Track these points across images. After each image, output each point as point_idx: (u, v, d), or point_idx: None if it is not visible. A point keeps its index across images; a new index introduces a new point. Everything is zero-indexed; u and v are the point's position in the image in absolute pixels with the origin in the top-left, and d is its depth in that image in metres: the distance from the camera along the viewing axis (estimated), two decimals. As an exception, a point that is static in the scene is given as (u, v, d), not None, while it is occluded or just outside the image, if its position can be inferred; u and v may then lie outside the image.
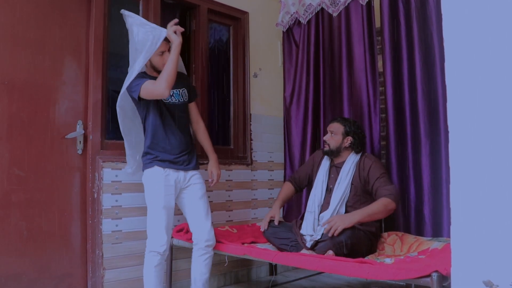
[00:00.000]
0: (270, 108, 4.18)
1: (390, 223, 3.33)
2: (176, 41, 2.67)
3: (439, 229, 3.05)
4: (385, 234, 3.11)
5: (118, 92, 2.83)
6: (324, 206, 3.06)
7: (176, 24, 2.70)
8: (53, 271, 2.84)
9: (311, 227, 2.97)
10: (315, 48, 3.95)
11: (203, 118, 3.65)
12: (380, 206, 2.83)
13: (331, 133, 3.14)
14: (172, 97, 2.84)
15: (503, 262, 1.44)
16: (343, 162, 3.09)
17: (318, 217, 3.03)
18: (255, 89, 4.06)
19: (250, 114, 4.00)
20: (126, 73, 2.84)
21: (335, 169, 3.12)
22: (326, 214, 2.97)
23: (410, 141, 3.26)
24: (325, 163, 3.19)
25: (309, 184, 3.39)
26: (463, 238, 1.55)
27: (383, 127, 3.58)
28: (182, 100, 2.90)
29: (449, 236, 2.90)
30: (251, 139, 3.98)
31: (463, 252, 1.55)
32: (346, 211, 2.95)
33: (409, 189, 3.25)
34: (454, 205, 1.57)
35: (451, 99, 1.62)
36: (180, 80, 2.85)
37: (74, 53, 3.00)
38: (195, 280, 2.84)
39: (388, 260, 2.53)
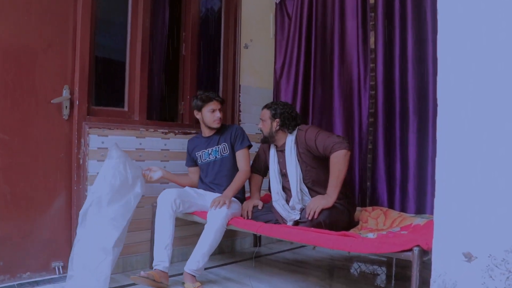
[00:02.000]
0: (260, 80, 4.15)
1: (374, 198, 3.38)
2: (158, 175, 3.14)
3: (423, 206, 3.09)
4: (369, 208, 3.14)
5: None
6: (286, 191, 3.05)
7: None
8: (37, 235, 2.84)
9: (284, 213, 2.97)
10: (308, 21, 3.90)
11: (191, 87, 3.65)
12: (337, 163, 2.77)
13: (262, 121, 3.12)
14: (210, 155, 3.24)
15: (482, 235, 1.47)
16: (284, 144, 3.05)
17: (287, 202, 3.01)
18: (246, 61, 4.03)
19: (240, 85, 3.97)
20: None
21: (281, 153, 3.08)
22: (294, 200, 2.95)
23: (398, 118, 3.27)
24: (272, 150, 3.16)
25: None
26: (445, 211, 1.58)
27: (372, 104, 3.58)
28: (220, 156, 3.22)
29: (432, 213, 2.95)
30: (239, 111, 3.97)
31: (445, 224, 1.58)
32: (308, 188, 2.95)
33: (395, 165, 3.28)
34: (439, 180, 1.59)
35: (441, 76, 1.62)
36: (221, 135, 3.24)
37: (61, 16, 2.92)
38: None
39: (371, 235, 2.56)
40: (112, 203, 2.75)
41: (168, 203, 2.88)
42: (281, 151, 3.08)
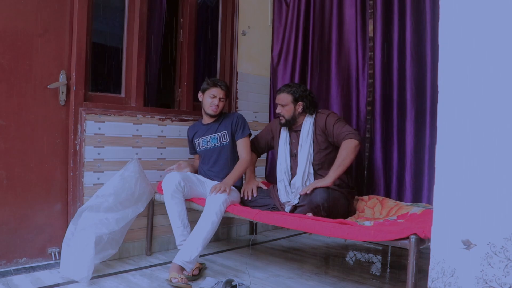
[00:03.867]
0: (257, 67, 4.13)
1: (371, 187, 3.38)
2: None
3: (419, 195, 3.10)
4: (365, 197, 3.15)
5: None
6: (292, 172, 3.08)
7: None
8: (33, 221, 2.83)
9: (284, 194, 3.03)
10: (306, 8, 3.87)
11: (188, 73, 3.62)
12: (346, 149, 2.86)
13: (282, 106, 3.10)
14: (209, 142, 3.22)
15: (482, 222, 1.48)
16: (301, 124, 3.10)
17: (289, 184, 3.06)
18: (243, 48, 4.00)
19: (237, 73, 3.95)
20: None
21: (295, 134, 3.13)
22: (297, 179, 3.01)
23: (396, 107, 3.26)
24: (284, 132, 3.19)
25: (268, 150, 3.55)
26: (445, 198, 1.58)
27: (369, 92, 3.57)
28: (220, 144, 3.20)
29: (428, 202, 2.97)
30: (237, 98, 3.95)
31: (445, 211, 1.58)
32: (314, 171, 3.00)
33: (392, 154, 3.28)
34: (439, 167, 1.59)
35: (442, 63, 1.62)
36: (220, 123, 3.22)
37: (57, 0, 2.88)
38: None
39: (367, 223, 2.57)
40: (110, 211, 2.82)
41: (174, 185, 2.88)
42: (295, 131, 3.12)
